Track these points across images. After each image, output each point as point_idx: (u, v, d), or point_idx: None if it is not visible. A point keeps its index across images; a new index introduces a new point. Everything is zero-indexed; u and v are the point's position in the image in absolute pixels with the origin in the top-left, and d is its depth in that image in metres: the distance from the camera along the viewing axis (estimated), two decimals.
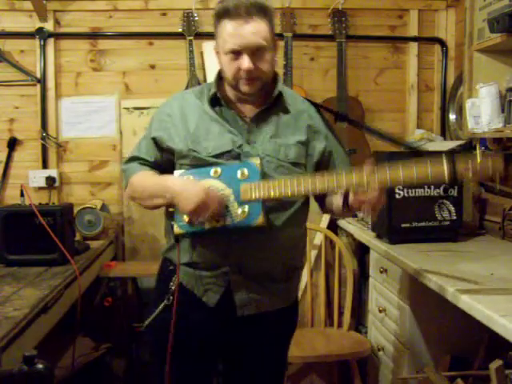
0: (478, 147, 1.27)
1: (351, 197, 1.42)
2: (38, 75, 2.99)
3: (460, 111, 2.84)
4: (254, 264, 1.52)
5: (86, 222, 2.76)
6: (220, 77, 1.58)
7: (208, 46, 2.98)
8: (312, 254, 2.89)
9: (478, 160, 1.24)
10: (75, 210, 2.61)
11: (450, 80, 3.11)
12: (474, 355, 1.91)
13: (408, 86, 3.16)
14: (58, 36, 3.01)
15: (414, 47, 3.14)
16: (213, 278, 1.54)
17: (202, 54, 3.02)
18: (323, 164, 1.60)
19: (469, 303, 1.45)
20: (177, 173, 1.54)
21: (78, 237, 2.64)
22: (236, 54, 1.45)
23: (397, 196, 2.21)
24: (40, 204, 2.33)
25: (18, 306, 1.63)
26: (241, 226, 1.44)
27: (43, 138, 3.00)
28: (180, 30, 3.00)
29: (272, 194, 1.41)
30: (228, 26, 1.44)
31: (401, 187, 2.20)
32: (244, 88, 1.50)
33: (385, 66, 3.16)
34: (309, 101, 1.66)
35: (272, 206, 1.49)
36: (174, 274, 1.56)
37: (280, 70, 2.96)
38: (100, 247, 2.71)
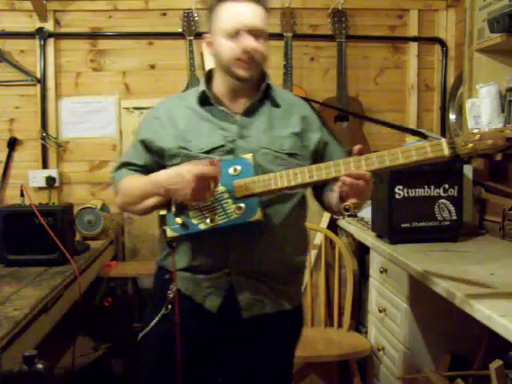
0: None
1: (341, 187, 1.37)
2: (38, 75, 2.99)
3: (460, 111, 2.84)
4: (254, 263, 1.49)
5: (85, 221, 2.77)
6: (209, 77, 1.58)
7: None
8: (312, 254, 2.89)
9: (476, 136, 1.28)
10: (75, 209, 2.61)
11: (450, 80, 3.11)
12: (474, 355, 1.91)
13: (408, 85, 3.16)
14: (58, 36, 3.01)
15: (414, 47, 3.14)
16: (213, 280, 1.50)
17: (202, 54, 3.02)
18: (319, 155, 1.59)
19: (469, 303, 1.45)
20: None
21: (78, 237, 2.64)
22: (236, 34, 1.44)
23: (397, 196, 2.21)
24: (40, 204, 2.33)
25: (18, 305, 1.63)
26: (238, 223, 1.40)
27: (43, 138, 3.00)
28: (180, 30, 3.00)
29: (267, 188, 1.38)
30: (232, 8, 1.45)
31: (401, 187, 2.20)
32: (241, 72, 1.47)
33: (385, 66, 3.16)
34: (300, 97, 1.68)
35: (269, 201, 1.46)
36: (170, 282, 1.51)
37: (280, 70, 2.97)
38: (100, 247, 2.71)
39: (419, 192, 2.22)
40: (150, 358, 1.59)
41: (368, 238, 2.44)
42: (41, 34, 2.96)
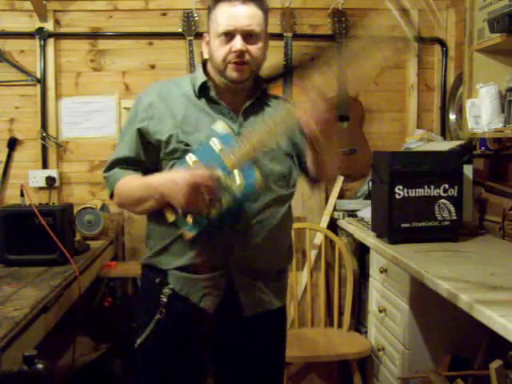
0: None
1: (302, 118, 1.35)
2: (38, 75, 2.99)
3: (460, 111, 2.84)
4: (253, 262, 1.50)
5: (85, 221, 2.76)
6: (205, 68, 1.56)
7: None
8: (312, 254, 2.89)
9: None
10: (75, 209, 2.61)
11: (450, 80, 3.11)
12: (474, 355, 1.91)
13: (408, 86, 3.16)
14: (58, 36, 3.01)
15: (413, 47, 3.13)
16: (212, 280, 1.48)
17: (202, 54, 3.01)
18: (301, 153, 1.61)
19: (469, 303, 1.45)
20: None
21: (78, 237, 2.64)
22: (229, 36, 1.44)
23: (397, 196, 2.21)
24: (40, 204, 2.33)
25: (18, 305, 1.63)
26: (244, 195, 1.37)
27: (43, 138, 3.00)
28: (180, 30, 3.00)
29: (253, 145, 1.35)
30: (224, 9, 1.44)
31: (401, 187, 2.20)
32: (232, 74, 1.46)
33: (385, 66, 3.16)
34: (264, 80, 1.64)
35: (266, 205, 1.48)
36: (164, 284, 1.50)
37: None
38: (100, 247, 2.71)
39: (419, 192, 2.22)
40: (150, 365, 1.56)
41: (368, 238, 2.44)
42: (41, 34, 2.96)
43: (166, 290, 1.49)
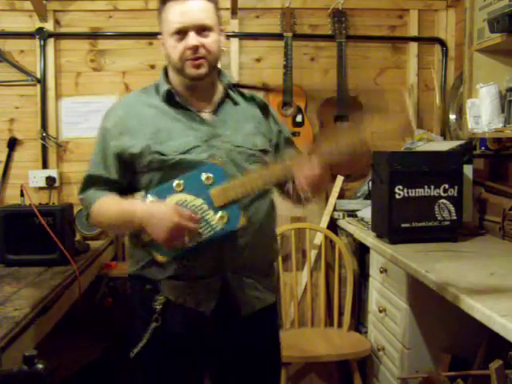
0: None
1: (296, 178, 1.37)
2: (38, 75, 2.99)
3: (460, 111, 2.84)
4: (245, 260, 1.51)
5: (85, 222, 2.76)
6: (166, 74, 1.56)
7: None
8: (312, 254, 2.89)
9: None
10: (75, 209, 2.61)
11: (450, 80, 3.11)
12: (474, 355, 1.91)
13: (408, 86, 3.16)
14: (58, 36, 3.01)
15: (414, 47, 3.13)
16: (207, 284, 1.49)
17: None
18: (278, 145, 1.64)
19: (469, 303, 1.45)
20: (137, 196, 1.45)
21: (78, 237, 2.65)
22: (182, 33, 1.44)
23: (397, 196, 2.21)
24: (40, 204, 2.33)
25: (18, 305, 1.63)
26: (224, 233, 1.39)
27: (43, 138, 3.00)
28: None
29: (245, 192, 1.37)
30: (173, 7, 1.45)
31: (401, 187, 2.20)
32: (191, 71, 1.46)
33: (385, 66, 3.16)
34: (241, 86, 1.66)
35: (250, 200, 1.48)
36: (156, 292, 1.49)
37: (280, 70, 2.97)
38: (100, 247, 2.71)
39: (419, 192, 2.22)
40: (148, 373, 1.56)
41: (368, 238, 2.44)
42: (41, 34, 2.96)
43: (160, 298, 1.49)
